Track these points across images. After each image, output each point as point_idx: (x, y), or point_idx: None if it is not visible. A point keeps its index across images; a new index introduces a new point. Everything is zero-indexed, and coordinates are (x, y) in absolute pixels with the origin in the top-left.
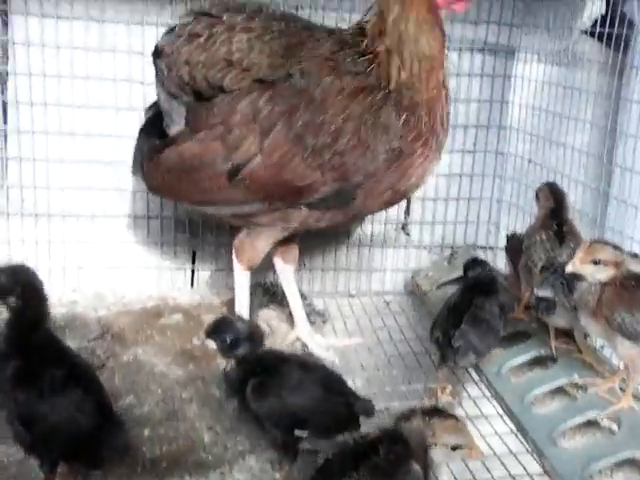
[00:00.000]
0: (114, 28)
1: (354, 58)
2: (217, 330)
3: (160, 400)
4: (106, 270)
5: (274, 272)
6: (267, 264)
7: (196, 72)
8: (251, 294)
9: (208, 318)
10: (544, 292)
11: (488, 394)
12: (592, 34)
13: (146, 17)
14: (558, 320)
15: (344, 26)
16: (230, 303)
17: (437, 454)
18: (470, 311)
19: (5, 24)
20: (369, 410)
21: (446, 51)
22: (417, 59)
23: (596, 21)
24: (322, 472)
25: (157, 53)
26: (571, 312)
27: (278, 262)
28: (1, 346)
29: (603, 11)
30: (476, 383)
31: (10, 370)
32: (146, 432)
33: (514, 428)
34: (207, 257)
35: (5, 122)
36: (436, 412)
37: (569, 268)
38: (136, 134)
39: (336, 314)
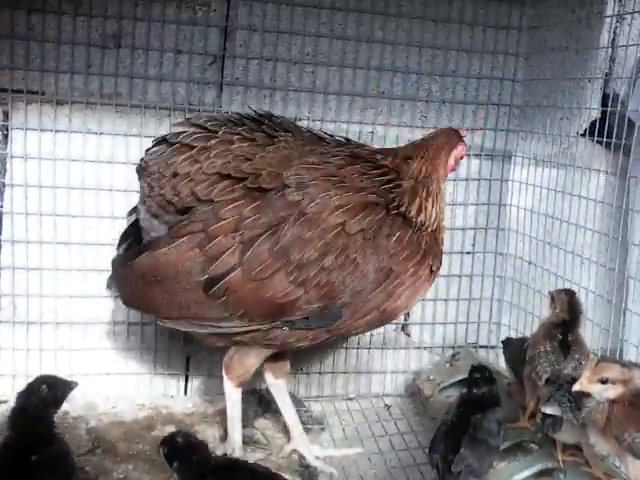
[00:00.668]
0: (112, 140)
1: (367, 173)
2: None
3: None
4: (98, 377)
5: None
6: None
7: (181, 186)
8: (245, 402)
9: (202, 429)
10: (550, 409)
11: None
12: (590, 135)
13: (144, 130)
14: (565, 436)
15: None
16: (224, 412)
17: None
18: (468, 433)
19: (5, 138)
20: None
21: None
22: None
23: (594, 123)
24: None
25: (140, 169)
26: (579, 428)
27: (269, 377)
28: None
29: (599, 115)
30: None
31: None
32: None
33: None
34: (201, 363)
35: None
36: None
37: (576, 387)
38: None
39: (334, 419)
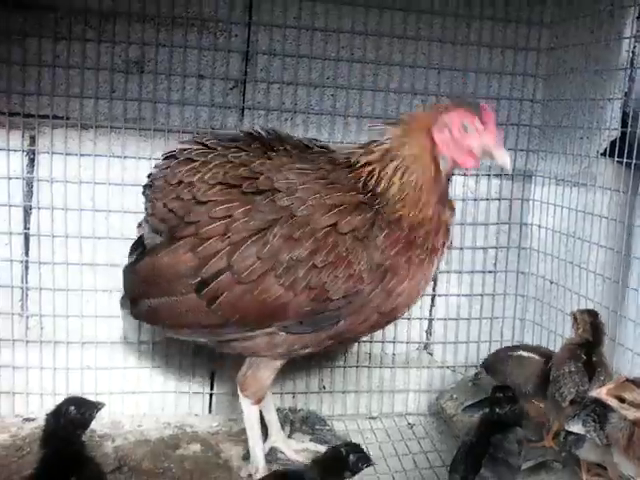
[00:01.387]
0: (136, 163)
1: (346, 175)
2: None
3: None
4: (124, 396)
5: None
6: None
7: (184, 193)
8: None
9: (226, 447)
10: (575, 427)
11: None
12: (610, 155)
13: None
14: (589, 454)
15: None
16: None
17: None
18: (489, 453)
19: (32, 162)
20: None
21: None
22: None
23: (614, 142)
24: None
25: (146, 186)
26: (603, 447)
27: None
28: None
29: (619, 134)
30: None
31: None
32: None
33: None
34: (225, 381)
35: (27, 254)
36: None
37: (593, 394)
38: None
39: (358, 438)
